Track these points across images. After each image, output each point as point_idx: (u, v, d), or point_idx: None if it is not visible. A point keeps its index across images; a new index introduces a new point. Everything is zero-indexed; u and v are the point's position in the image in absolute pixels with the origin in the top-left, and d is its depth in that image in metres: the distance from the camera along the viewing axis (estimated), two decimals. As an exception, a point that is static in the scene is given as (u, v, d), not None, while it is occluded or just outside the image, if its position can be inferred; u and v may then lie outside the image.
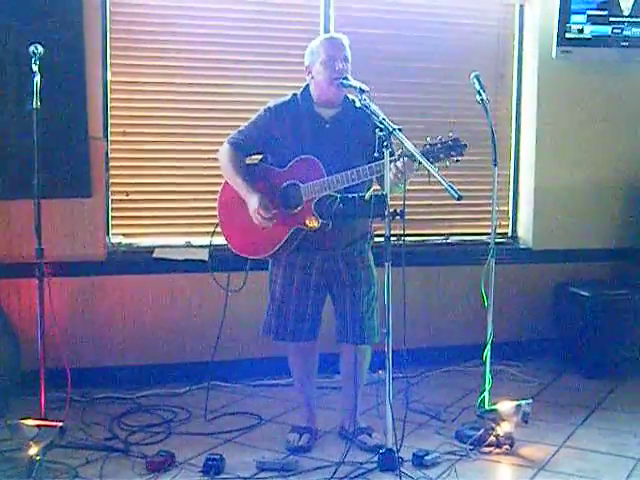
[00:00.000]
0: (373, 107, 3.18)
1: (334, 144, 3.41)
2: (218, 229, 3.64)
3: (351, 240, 3.52)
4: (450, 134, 3.21)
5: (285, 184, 3.42)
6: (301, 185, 3.38)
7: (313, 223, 3.37)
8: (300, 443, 3.56)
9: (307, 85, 3.51)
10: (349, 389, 3.62)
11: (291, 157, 3.42)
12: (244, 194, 3.46)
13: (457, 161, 3.22)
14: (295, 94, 3.53)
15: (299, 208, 3.40)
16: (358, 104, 3.30)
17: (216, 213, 3.65)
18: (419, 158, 3.08)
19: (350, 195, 3.32)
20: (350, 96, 3.46)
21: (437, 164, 3.15)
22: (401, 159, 3.17)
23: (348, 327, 3.53)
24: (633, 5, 4.93)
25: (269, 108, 3.52)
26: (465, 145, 3.22)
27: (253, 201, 3.40)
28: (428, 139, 3.20)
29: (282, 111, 3.49)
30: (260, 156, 3.60)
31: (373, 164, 3.22)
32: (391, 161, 3.15)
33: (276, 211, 3.40)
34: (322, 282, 3.54)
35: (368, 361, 3.65)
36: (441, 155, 3.19)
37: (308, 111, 3.47)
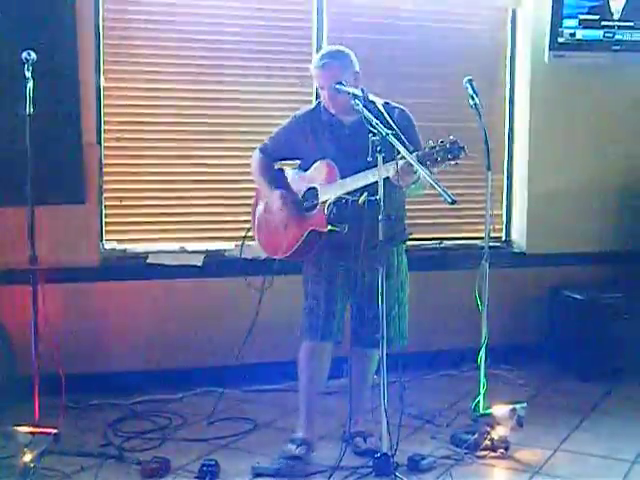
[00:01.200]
0: (366, 112, 3.19)
1: (354, 149, 3.39)
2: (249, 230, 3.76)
3: (374, 243, 3.32)
4: (450, 137, 3.21)
5: (305, 188, 3.51)
6: (318, 188, 3.45)
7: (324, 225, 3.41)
8: (296, 453, 3.51)
9: None
10: (354, 393, 3.57)
11: (315, 162, 3.50)
12: (266, 194, 3.60)
13: (456, 164, 3.17)
14: (319, 102, 3.60)
15: (315, 210, 3.45)
16: (380, 107, 3.32)
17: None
18: (412, 162, 3.08)
19: (343, 199, 3.33)
20: (374, 99, 3.46)
21: (436, 166, 3.15)
22: (398, 162, 3.17)
23: (363, 332, 3.49)
24: (623, 9, 4.95)
25: (295, 115, 3.64)
26: (463, 147, 3.15)
27: (275, 198, 3.52)
28: (430, 142, 3.20)
29: (306, 118, 3.57)
30: (298, 161, 3.66)
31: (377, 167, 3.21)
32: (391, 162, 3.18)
33: (296, 202, 3.50)
34: (346, 285, 3.53)
35: (375, 366, 3.61)
36: (439, 158, 3.14)
37: (329, 118, 3.52)
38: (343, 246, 3.44)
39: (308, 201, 3.51)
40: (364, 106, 3.23)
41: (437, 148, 3.15)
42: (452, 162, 3.16)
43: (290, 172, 3.68)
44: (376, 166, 3.18)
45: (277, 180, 3.63)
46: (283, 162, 3.72)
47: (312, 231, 3.45)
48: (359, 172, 3.30)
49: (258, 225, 3.74)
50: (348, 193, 3.35)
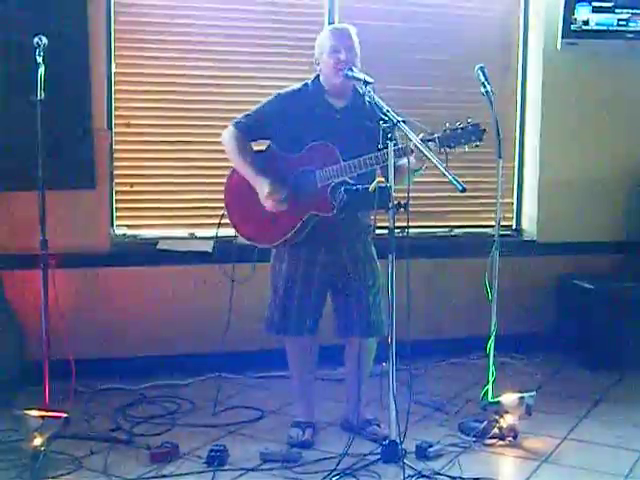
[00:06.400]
0: (377, 99, 3.18)
1: (344, 134, 3.39)
2: (224, 215, 3.61)
3: (355, 233, 3.52)
4: (469, 120, 3.23)
5: (300, 170, 3.39)
6: (317, 171, 3.36)
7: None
8: (304, 437, 3.54)
9: (318, 75, 3.51)
10: (354, 382, 3.62)
11: (300, 145, 3.39)
12: (252, 179, 3.43)
13: (476, 146, 3.23)
14: (306, 83, 3.53)
15: (313, 194, 3.37)
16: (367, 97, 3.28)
17: (222, 197, 3.61)
18: (423, 150, 3.09)
19: (354, 187, 3.30)
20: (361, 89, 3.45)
21: (456, 148, 3.19)
22: (414, 152, 3.19)
23: (355, 321, 3.50)
24: (638, -3, 4.92)
25: (279, 94, 3.52)
26: (484, 130, 3.24)
27: (263, 186, 3.39)
28: (447, 124, 3.21)
29: (293, 98, 3.48)
30: (267, 142, 3.57)
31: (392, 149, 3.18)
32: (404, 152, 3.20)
33: (286, 194, 3.38)
34: (326, 276, 3.53)
35: (373, 354, 3.64)
36: (462, 140, 3.20)
37: (319, 100, 3.46)
38: (326, 236, 3.43)
39: (304, 185, 3.37)
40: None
41: (459, 130, 3.18)
42: (473, 144, 3.20)
43: (274, 152, 3.49)
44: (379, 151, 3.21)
45: (265, 162, 3.44)
46: (253, 142, 3.56)
47: (310, 215, 3.38)
48: (349, 158, 3.28)
49: (237, 209, 3.56)
50: (351, 179, 3.32)
